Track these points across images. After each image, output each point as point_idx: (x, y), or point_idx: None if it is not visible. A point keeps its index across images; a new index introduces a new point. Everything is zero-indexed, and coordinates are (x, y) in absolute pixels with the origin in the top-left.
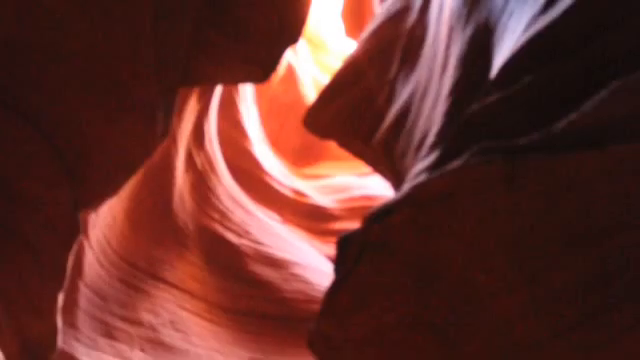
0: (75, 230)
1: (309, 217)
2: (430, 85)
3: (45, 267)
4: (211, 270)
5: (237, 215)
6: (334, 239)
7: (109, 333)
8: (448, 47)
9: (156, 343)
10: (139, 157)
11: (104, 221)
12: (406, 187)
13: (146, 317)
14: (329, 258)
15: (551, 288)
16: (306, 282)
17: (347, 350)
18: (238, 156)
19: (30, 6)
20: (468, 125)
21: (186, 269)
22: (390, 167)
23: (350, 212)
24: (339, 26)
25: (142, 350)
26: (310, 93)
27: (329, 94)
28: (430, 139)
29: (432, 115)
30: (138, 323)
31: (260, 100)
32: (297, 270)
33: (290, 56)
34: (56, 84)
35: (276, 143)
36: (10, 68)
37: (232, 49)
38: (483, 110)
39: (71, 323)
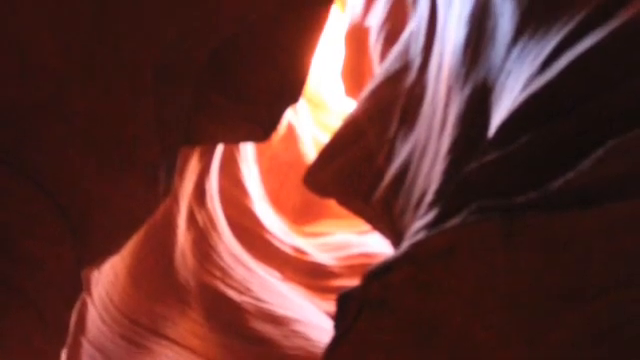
0: (78, 287)
1: (309, 274)
2: (429, 144)
3: (48, 324)
4: (212, 327)
5: (238, 272)
6: (334, 296)
7: None
8: (447, 106)
9: None
10: (141, 215)
11: (106, 278)
12: (405, 245)
13: None
14: (329, 315)
15: (550, 344)
16: (307, 339)
17: None
18: (239, 214)
19: (33, 67)
20: (466, 183)
21: (187, 326)
22: (389, 225)
23: (350, 269)
24: (339, 86)
25: None
26: (310, 152)
27: (329, 153)
28: (429, 197)
29: (431, 173)
30: None
31: (261, 159)
32: (298, 327)
33: (290, 115)
34: (59, 144)
35: (276, 201)
36: (14, 128)
37: (233, 109)
38: (481, 169)
39: None
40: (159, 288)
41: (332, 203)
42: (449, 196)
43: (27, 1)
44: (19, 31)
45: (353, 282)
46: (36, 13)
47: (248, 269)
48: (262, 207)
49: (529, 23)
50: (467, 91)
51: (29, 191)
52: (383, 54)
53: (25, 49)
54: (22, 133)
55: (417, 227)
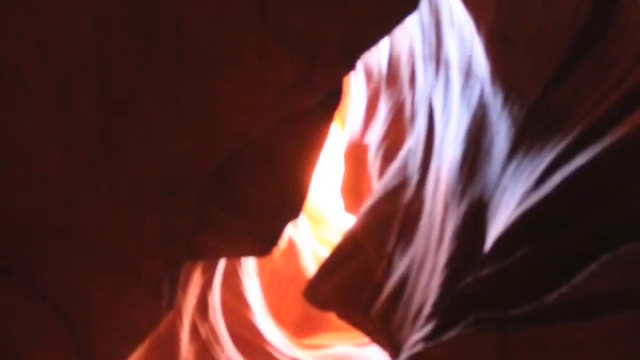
0: None
1: None
2: (426, 258)
3: None
4: None
5: None
6: None
7: None
8: (444, 221)
9: None
10: (145, 328)
11: None
12: (403, 357)
13: None
14: None
15: None
16: None
17: None
18: (241, 326)
19: (39, 180)
20: (463, 297)
21: None
22: (388, 338)
23: None
24: (338, 202)
25: None
26: (310, 266)
27: (328, 267)
28: (426, 310)
29: (428, 287)
30: None
31: (262, 272)
32: None
33: (291, 231)
34: (64, 256)
35: (278, 314)
36: (19, 240)
37: (235, 224)
38: (478, 282)
39: None
40: None
41: (332, 316)
42: (446, 309)
43: (33, 115)
44: (25, 145)
45: None
46: (42, 127)
47: None
48: (263, 320)
49: (524, 140)
50: (464, 207)
51: (34, 302)
52: (382, 171)
53: (31, 163)
54: (27, 245)
55: (415, 339)
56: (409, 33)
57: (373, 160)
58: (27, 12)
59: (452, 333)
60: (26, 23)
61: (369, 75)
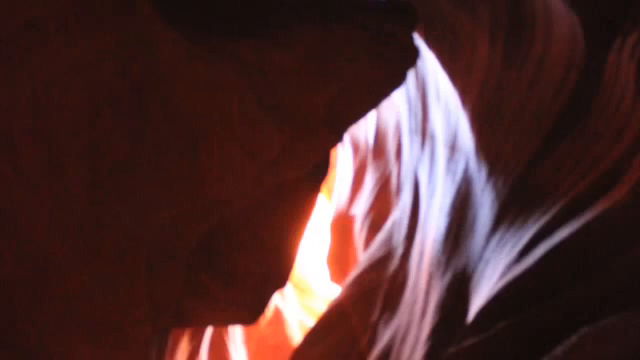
0: None
1: None
2: (410, 329)
3: None
4: None
5: None
6: None
7: None
8: (427, 293)
9: None
10: None
11: None
12: None
13: None
14: None
15: None
16: None
17: None
18: None
19: (27, 246)
20: None
21: None
22: None
23: None
24: (324, 272)
25: None
26: (296, 335)
27: (314, 336)
28: None
29: (412, 358)
30: None
31: (249, 341)
32: None
33: (277, 299)
34: (51, 323)
35: None
36: (8, 307)
37: (223, 292)
38: (460, 352)
39: None
40: None
41: None
42: None
43: (22, 181)
44: (13, 211)
45: None
46: (31, 193)
47: None
48: None
49: (507, 214)
50: (447, 278)
51: None
52: (367, 242)
53: (19, 228)
54: (14, 311)
55: None
56: (396, 107)
57: (359, 231)
58: (20, 78)
59: None
60: (18, 89)
61: (356, 147)
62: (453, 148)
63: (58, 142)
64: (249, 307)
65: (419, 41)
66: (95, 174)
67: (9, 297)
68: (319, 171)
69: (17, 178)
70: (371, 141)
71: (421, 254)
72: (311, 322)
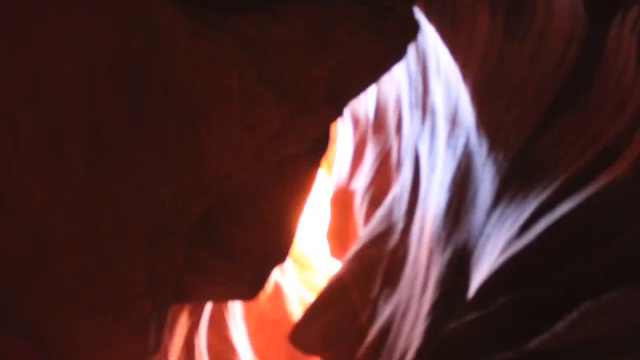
0: None
1: None
2: (411, 304)
3: None
4: None
5: None
6: None
7: None
8: (428, 268)
9: None
10: None
11: None
12: None
13: None
14: None
15: None
16: None
17: None
18: None
19: (24, 222)
20: (446, 342)
21: None
22: None
23: None
24: (324, 247)
25: None
26: (296, 311)
27: (314, 312)
28: (410, 356)
29: (412, 333)
30: None
31: (248, 316)
32: None
33: (277, 275)
34: (50, 299)
35: (263, 358)
36: (8, 286)
37: (222, 268)
38: (461, 328)
39: None
40: None
41: None
42: (430, 355)
43: (22, 158)
44: (12, 188)
45: None
46: (30, 171)
47: None
48: None
49: (508, 189)
50: (448, 254)
51: (18, 344)
52: (367, 217)
53: (19, 207)
54: (13, 290)
55: None
56: (396, 81)
57: (359, 206)
58: (20, 55)
59: None
60: (18, 65)
61: (356, 122)
62: (454, 122)
63: (58, 119)
64: (249, 283)
65: (419, 15)
66: (95, 151)
67: (9, 276)
68: (319, 146)
69: (16, 156)
70: (371, 116)
71: (421, 229)
72: (311, 297)
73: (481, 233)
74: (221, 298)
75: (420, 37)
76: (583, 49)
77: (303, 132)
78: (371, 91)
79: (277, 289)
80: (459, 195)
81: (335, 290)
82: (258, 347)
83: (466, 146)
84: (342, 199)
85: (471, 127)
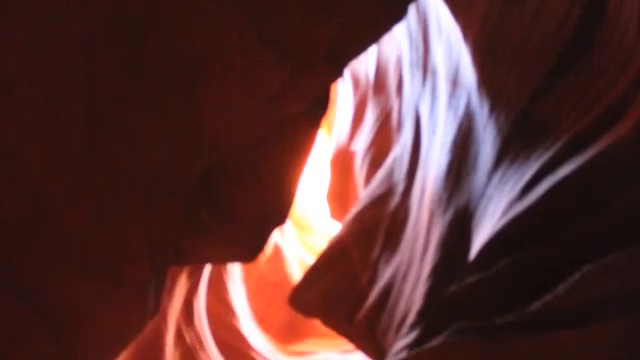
0: None
1: None
2: (411, 266)
3: None
4: None
5: None
6: None
7: None
8: (429, 230)
9: None
10: (130, 333)
11: None
12: None
13: None
14: None
15: None
16: None
17: None
18: (226, 332)
19: (21, 181)
20: (447, 305)
21: None
22: (372, 345)
23: None
24: (324, 209)
25: None
26: (296, 273)
27: (314, 274)
28: (411, 318)
29: (413, 295)
30: None
31: (248, 279)
32: None
33: (277, 237)
34: (47, 260)
35: (263, 320)
36: (6, 249)
37: (221, 230)
38: (462, 291)
39: None
40: None
41: (317, 323)
42: (430, 317)
43: (18, 119)
44: (8, 149)
45: None
46: (27, 131)
47: None
48: (249, 326)
49: (510, 150)
50: (449, 216)
51: (16, 305)
52: (368, 178)
53: (16, 168)
54: (12, 253)
55: (399, 347)
56: (397, 41)
57: (359, 167)
58: (14, 17)
59: (435, 341)
60: (13, 27)
61: (356, 83)
62: (455, 83)
63: (55, 78)
64: (248, 244)
65: None
66: (92, 112)
67: (7, 238)
68: (319, 106)
69: (13, 115)
70: (372, 76)
71: (422, 191)
72: (311, 259)
73: (482, 195)
74: (220, 260)
75: None
76: (585, 9)
77: (304, 92)
78: (371, 51)
79: (277, 251)
80: (460, 156)
81: (335, 252)
82: (257, 309)
83: (467, 107)
84: (342, 160)
85: (472, 88)
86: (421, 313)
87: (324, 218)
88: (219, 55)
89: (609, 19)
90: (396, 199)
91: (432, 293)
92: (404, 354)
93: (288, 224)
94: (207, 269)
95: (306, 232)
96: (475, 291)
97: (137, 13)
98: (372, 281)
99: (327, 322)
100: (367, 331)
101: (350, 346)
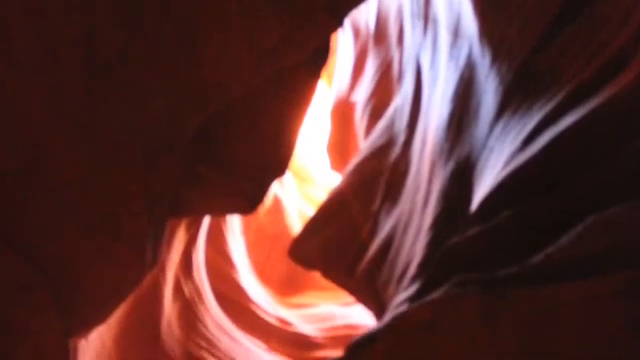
0: (65, 358)
1: (293, 345)
2: (412, 218)
3: None
4: None
5: (224, 343)
6: None
7: None
8: (430, 181)
9: None
10: (128, 285)
11: (93, 347)
12: (388, 317)
13: None
14: None
15: None
16: None
17: None
18: (225, 285)
19: (20, 133)
20: (448, 257)
21: None
22: (372, 297)
23: (333, 340)
24: (324, 160)
25: None
26: (296, 224)
27: (314, 226)
28: (411, 270)
29: (414, 247)
30: None
31: (247, 230)
32: None
33: (277, 188)
34: (45, 212)
35: (262, 272)
36: (4, 197)
37: (220, 182)
38: (463, 243)
39: None
40: (145, 357)
41: (317, 275)
42: (431, 269)
43: (17, 71)
44: (8, 101)
45: (337, 353)
46: (26, 83)
47: (233, 339)
48: (248, 278)
49: (512, 101)
50: (450, 167)
51: (14, 259)
52: (368, 129)
53: (15, 119)
54: (6, 200)
55: (400, 299)
56: None
57: (360, 118)
58: None
59: (437, 293)
60: None
61: (357, 33)
62: (456, 33)
63: (53, 32)
64: (248, 196)
65: None
66: (91, 63)
67: (6, 188)
68: (319, 56)
69: (11, 68)
70: (372, 26)
71: (423, 142)
72: (311, 211)
73: (484, 146)
74: (219, 212)
75: None
76: None
77: (302, 44)
78: (372, 1)
79: (276, 202)
80: (461, 107)
81: (335, 204)
82: (257, 261)
83: (469, 57)
84: (342, 111)
85: (474, 38)
86: (422, 265)
87: (324, 169)
88: (218, 9)
89: None
90: (397, 150)
91: (433, 245)
92: (404, 307)
93: (288, 175)
94: (206, 221)
95: (306, 183)
96: (476, 243)
97: None
98: (373, 233)
99: (327, 274)
100: (367, 283)
101: (350, 299)
